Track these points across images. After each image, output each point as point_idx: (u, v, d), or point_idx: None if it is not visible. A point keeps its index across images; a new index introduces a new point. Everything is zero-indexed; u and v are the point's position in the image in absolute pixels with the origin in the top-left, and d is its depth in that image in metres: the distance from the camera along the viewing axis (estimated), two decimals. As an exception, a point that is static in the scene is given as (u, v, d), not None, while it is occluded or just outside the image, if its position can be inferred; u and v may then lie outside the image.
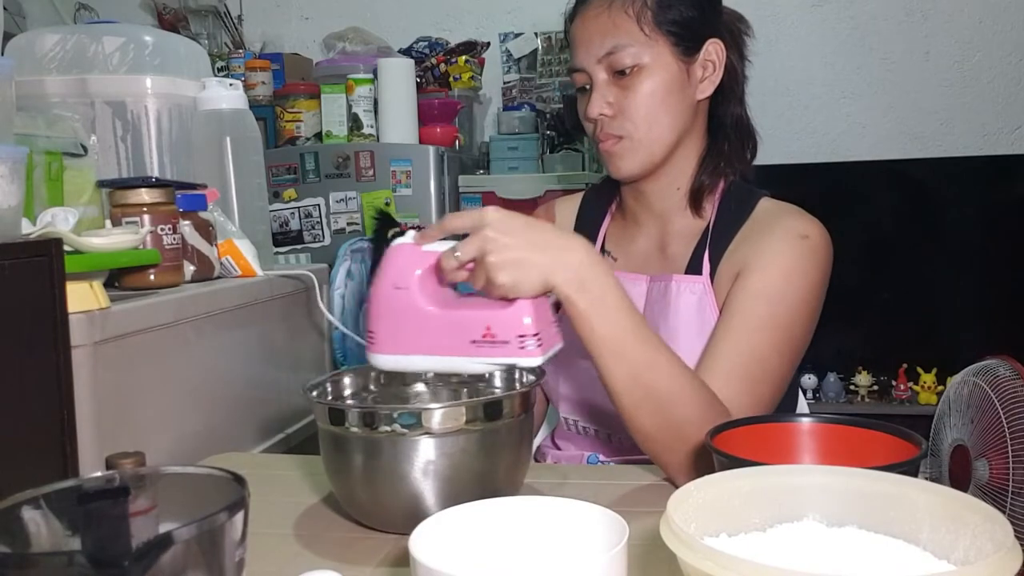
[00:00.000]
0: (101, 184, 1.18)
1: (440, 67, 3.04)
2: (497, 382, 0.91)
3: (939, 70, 3.01)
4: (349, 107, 2.78)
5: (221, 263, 1.25)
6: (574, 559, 0.58)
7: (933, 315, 2.82)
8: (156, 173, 1.29)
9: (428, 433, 0.75)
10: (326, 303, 1.42)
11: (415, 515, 0.63)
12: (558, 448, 1.18)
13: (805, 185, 2.82)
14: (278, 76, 3.00)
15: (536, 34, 3.23)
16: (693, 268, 1.07)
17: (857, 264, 2.88)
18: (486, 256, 0.77)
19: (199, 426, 1.11)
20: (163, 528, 0.49)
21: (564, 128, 2.93)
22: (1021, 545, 0.46)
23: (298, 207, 2.76)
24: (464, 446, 0.76)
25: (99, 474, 0.56)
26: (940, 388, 2.70)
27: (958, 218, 2.82)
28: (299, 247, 2.75)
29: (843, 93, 3.08)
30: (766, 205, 1.08)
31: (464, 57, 3.04)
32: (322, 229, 2.76)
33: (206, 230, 1.21)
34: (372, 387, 0.91)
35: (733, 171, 1.10)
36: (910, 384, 2.79)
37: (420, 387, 0.92)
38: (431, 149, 2.70)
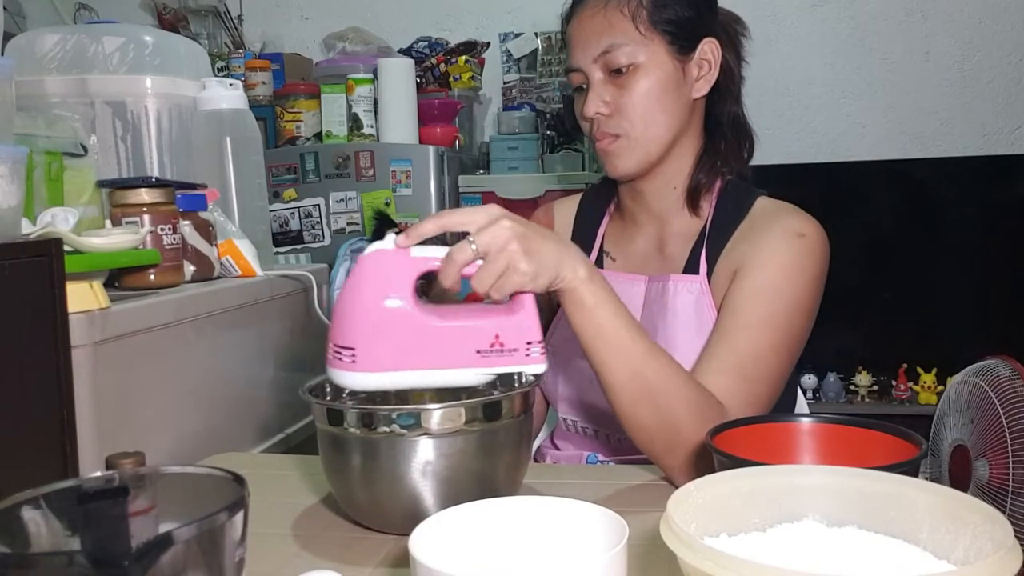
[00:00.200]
0: (101, 184, 1.18)
1: (440, 67, 3.04)
2: (497, 382, 0.90)
3: (939, 70, 3.01)
4: (349, 107, 2.78)
5: (221, 263, 1.25)
6: (574, 559, 0.58)
7: (933, 315, 2.81)
8: (156, 173, 1.29)
9: (427, 434, 0.74)
10: (326, 303, 1.42)
11: (414, 516, 0.63)
12: (557, 448, 1.18)
13: (805, 185, 2.82)
14: (278, 76, 3.00)
15: (536, 34, 3.23)
16: (691, 268, 1.07)
17: (857, 264, 2.88)
18: (509, 243, 0.76)
19: (199, 426, 1.10)
20: (163, 528, 0.49)
21: (564, 128, 2.93)
22: (1021, 545, 0.46)
23: (298, 207, 2.76)
24: (463, 447, 0.76)
25: (99, 474, 0.56)
26: (940, 388, 2.70)
27: (958, 218, 2.82)
28: (299, 247, 2.75)
29: (843, 93, 3.08)
30: (763, 204, 1.08)
31: (464, 57, 3.04)
32: (322, 229, 2.76)
33: (206, 230, 1.21)
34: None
35: (730, 170, 1.10)
36: (910, 384, 2.79)
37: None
38: (431, 149, 2.70)
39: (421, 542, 0.55)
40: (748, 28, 1.13)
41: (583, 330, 0.84)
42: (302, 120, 2.85)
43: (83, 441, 0.82)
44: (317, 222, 2.76)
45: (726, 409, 0.91)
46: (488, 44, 3.18)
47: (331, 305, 2.07)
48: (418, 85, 2.88)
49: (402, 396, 0.90)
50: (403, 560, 0.74)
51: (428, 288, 0.89)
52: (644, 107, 1.03)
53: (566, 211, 1.23)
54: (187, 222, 1.18)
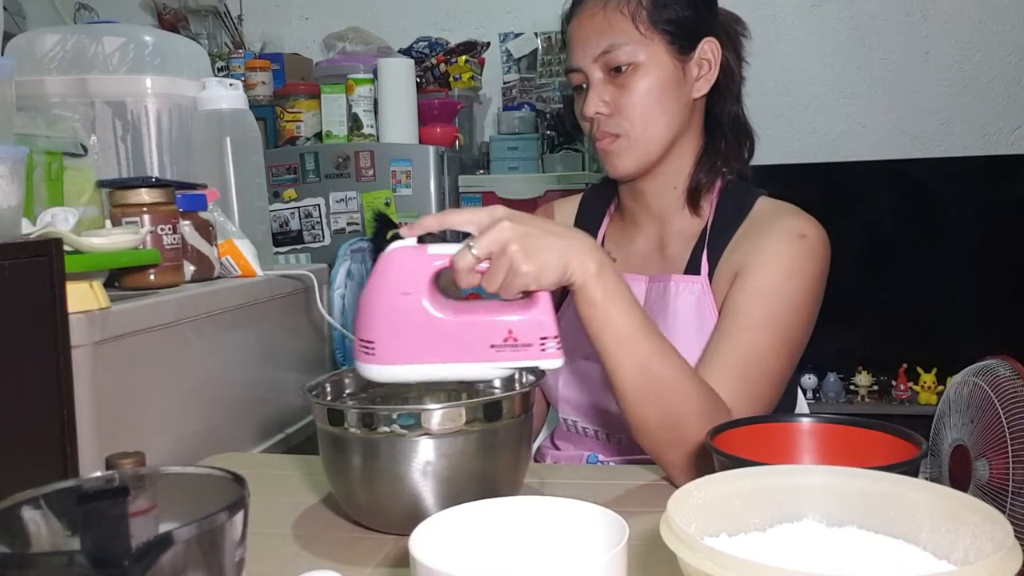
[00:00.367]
0: (101, 184, 1.18)
1: (440, 67, 3.04)
2: (496, 383, 0.90)
3: (939, 70, 3.01)
4: (349, 107, 2.78)
5: (221, 263, 1.25)
6: (574, 559, 0.58)
7: (933, 315, 2.81)
8: (156, 173, 1.29)
9: (427, 434, 0.74)
10: (326, 303, 1.42)
11: (414, 516, 0.63)
12: (557, 448, 1.18)
13: (805, 185, 2.82)
14: (278, 76, 3.00)
15: (536, 34, 3.23)
16: (692, 268, 1.07)
17: (857, 264, 2.87)
18: (509, 245, 0.76)
19: (199, 426, 1.10)
20: (163, 528, 0.49)
21: (564, 128, 2.93)
22: (1021, 545, 0.46)
23: (298, 207, 2.76)
24: (463, 447, 0.76)
25: (99, 474, 0.56)
26: (940, 388, 2.70)
27: (958, 218, 2.82)
28: (299, 247, 2.75)
29: (843, 93, 3.08)
30: (764, 204, 1.08)
31: (464, 57, 3.04)
32: (322, 229, 2.76)
33: (206, 230, 1.21)
34: (372, 388, 0.91)
35: (730, 170, 1.10)
36: (910, 384, 2.79)
37: (420, 388, 0.91)
38: (431, 149, 2.70)
39: (421, 542, 0.55)
40: (748, 28, 1.13)
41: (592, 325, 0.84)
42: (302, 120, 2.85)
43: (83, 441, 0.82)
44: (317, 222, 2.76)
45: (730, 410, 0.91)
46: (488, 44, 3.18)
47: (331, 305, 2.07)
48: (418, 85, 2.88)
49: (402, 397, 0.91)
50: (403, 560, 0.74)
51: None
52: (644, 107, 1.03)
53: (566, 211, 1.23)
54: (187, 222, 1.18)
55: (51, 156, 1.12)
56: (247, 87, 2.82)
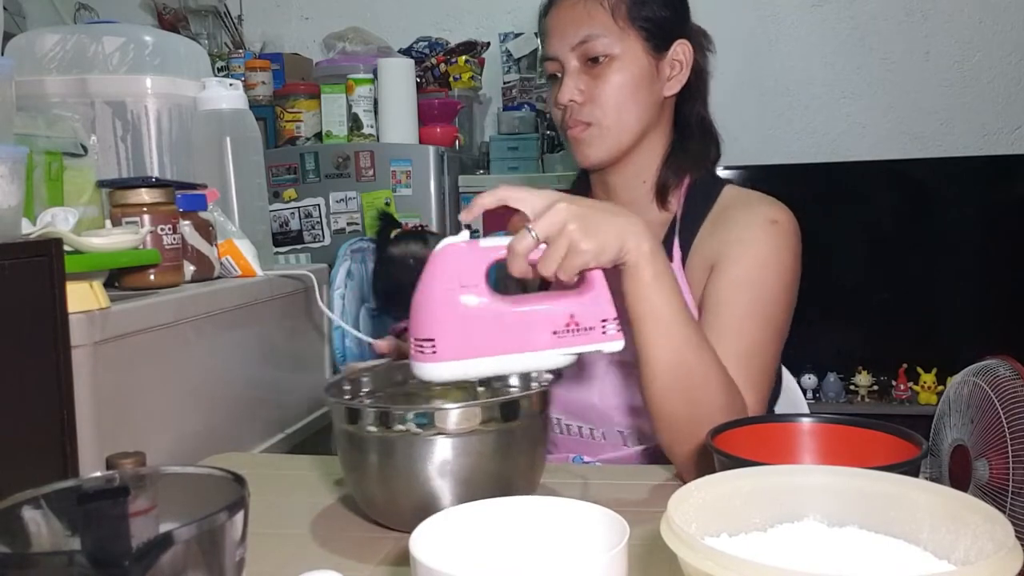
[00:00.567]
0: (101, 184, 1.18)
1: (440, 67, 3.04)
2: (513, 379, 0.91)
3: (939, 70, 3.01)
4: (349, 107, 2.78)
5: (221, 263, 1.25)
6: (574, 559, 0.58)
7: (933, 315, 2.81)
8: (156, 173, 1.29)
9: (443, 433, 0.75)
10: (326, 303, 1.42)
11: (429, 514, 0.63)
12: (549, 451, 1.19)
13: (805, 185, 2.84)
14: (278, 76, 3.00)
15: (536, 34, 3.22)
16: None
17: (857, 264, 2.88)
18: (567, 225, 0.77)
19: (199, 426, 1.10)
20: (163, 528, 0.49)
21: (564, 128, 2.93)
22: (1021, 545, 0.46)
23: (298, 207, 2.76)
24: (479, 446, 0.76)
25: (99, 474, 0.56)
26: (940, 388, 2.70)
27: (958, 218, 2.82)
28: (299, 247, 2.75)
29: (843, 93, 3.07)
30: (730, 192, 1.10)
31: (464, 57, 3.04)
32: (322, 229, 2.76)
33: (206, 230, 1.21)
34: (391, 385, 0.91)
35: (697, 170, 1.11)
36: (910, 384, 2.79)
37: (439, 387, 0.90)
38: (431, 149, 2.70)
39: (421, 542, 0.55)
40: (713, 43, 1.15)
41: (637, 306, 0.85)
42: (302, 120, 2.85)
43: (83, 441, 0.82)
44: (317, 222, 2.76)
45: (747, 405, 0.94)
46: (488, 44, 3.18)
47: (331, 305, 2.07)
48: (418, 85, 2.88)
49: (420, 396, 0.91)
50: (403, 559, 0.74)
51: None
52: (617, 98, 1.04)
53: None
54: (187, 222, 1.18)
55: (51, 156, 1.12)
56: (247, 87, 2.82)
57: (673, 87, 1.09)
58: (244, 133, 1.37)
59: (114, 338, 0.92)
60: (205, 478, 0.56)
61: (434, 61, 3.05)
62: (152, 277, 1.10)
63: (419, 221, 2.65)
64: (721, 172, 2.68)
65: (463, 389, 0.90)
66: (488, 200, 0.80)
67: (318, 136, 2.85)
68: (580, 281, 0.80)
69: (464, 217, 0.80)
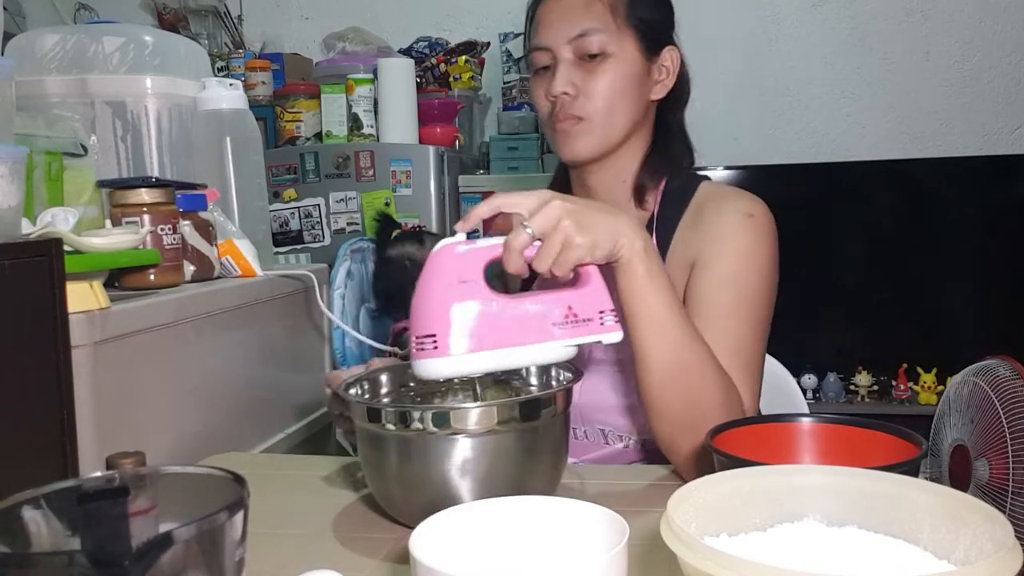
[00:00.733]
0: (101, 184, 1.18)
1: (440, 67, 3.04)
2: (533, 380, 0.91)
3: (939, 70, 3.01)
4: (349, 107, 2.78)
5: (221, 263, 1.25)
6: (574, 559, 0.58)
7: (933, 315, 2.81)
8: (156, 173, 1.29)
9: (460, 432, 0.75)
10: (326, 303, 1.42)
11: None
12: None
13: (805, 185, 2.84)
14: (278, 76, 3.00)
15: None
16: None
17: (857, 264, 2.87)
18: (562, 221, 0.79)
19: (199, 426, 1.10)
20: (163, 528, 0.49)
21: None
22: (1021, 545, 0.46)
23: (298, 207, 2.76)
24: (497, 446, 0.76)
25: (99, 474, 0.56)
26: (940, 388, 2.70)
27: (958, 218, 2.82)
28: (299, 247, 2.75)
29: (843, 93, 3.07)
30: (706, 188, 1.11)
31: (464, 57, 3.04)
32: (322, 229, 2.76)
33: (206, 230, 1.21)
34: (411, 384, 0.92)
35: (673, 174, 1.12)
36: (910, 384, 2.79)
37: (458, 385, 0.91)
38: (431, 149, 2.70)
39: (421, 542, 0.55)
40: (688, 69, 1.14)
41: (631, 303, 0.86)
42: (302, 120, 2.85)
43: (83, 441, 0.82)
44: (317, 222, 2.76)
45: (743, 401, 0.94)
46: (488, 44, 3.18)
47: (331, 305, 2.07)
48: (418, 85, 2.88)
49: (440, 395, 0.91)
50: (404, 559, 0.74)
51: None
52: (610, 95, 1.04)
53: None
54: (187, 222, 1.18)
55: (51, 156, 1.12)
56: (247, 87, 2.81)
57: (659, 92, 1.09)
58: (244, 133, 1.37)
59: (114, 338, 0.92)
60: (205, 478, 0.56)
61: (434, 61, 3.05)
62: (152, 277, 1.10)
63: (418, 221, 2.65)
64: (721, 172, 2.67)
65: (489, 388, 0.91)
66: (484, 210, 0.81)
67: (318, 136, 2.85)
68: (576, 278, 0.82)
69: (460, 227, 0.81)
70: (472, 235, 0.81)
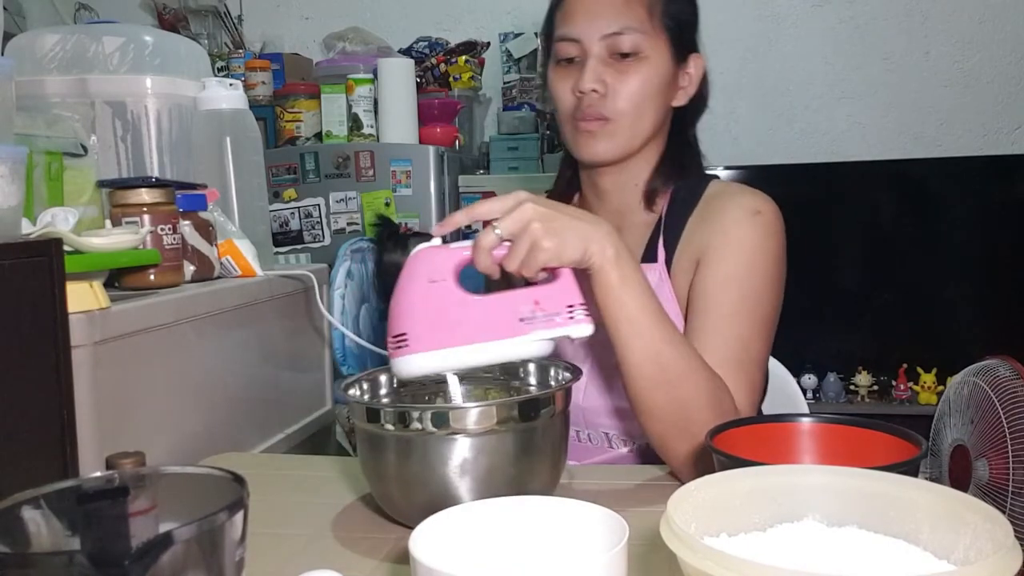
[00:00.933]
0: (101, 184, 1.18)
1: (440, 67, 3.04)
2: (532, 380, 0.91)
3: (939, 70, 3.01)
4: (349, 107, 2.78)
5: (221, 263, 1.25)
6: (574, 559, 0.58)
7: (933, 315, 2.82)
8: (156, 173, 1.29)
9: (459, 432, 0.75)
10: (326, 303, 1.42)
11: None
12: None
13: (805, 185, 2.84)
14: (278, 76, 3.00)
15: (536, 34, 3.23)
16: (648, 256, 1.08)
17: (857, 264, 2.88)
18: (531, 223, 0.79)
19: (199, 426, 1.10)
20: (163, 528, 0.49)
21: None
22: (1021, 545, 0.46)
23: (298, 207, 2.76)
24: (496, 446, 0.76)
25: (99, 474, 0.56)
26: (940, 388, 2.70)
27: (958, 218, 2.82)
28: (299, 247, 2.75)
29: (843, 93, 3.07)
30: (715, 187, 1.10)
31: (464, 57, 3.04)
32: (322, 229, 2.76)
33: (206, 230, 1.21)
34: (408, 386, 0.92)
35: (684, 179, 1.11)
36: (910, 384, 2.79)
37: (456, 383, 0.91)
38: (431, 149, 2.70)
39: (421, 542, 0.55)
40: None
41: (607, 310, 0.86)
42: (302, 120, 2.85)
43: (83, 441, 0.82)
44: (317, 222, 2.76)
45: (736, 400, 0.93)
46: (488, 44, 3.18)
47: (331, 305, 2.07)
48: (418, 85, 2.88)
49: (439, 395, 0.91)
50: (404, 559, 0.74)
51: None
52: (639, 98, 1.02)
53: None
54: (187, 222, 1.18)
55: (51, 156, 1.12)
56: (247, 87, 2.82)
57: (680, 99, 1.08)
58: (244, 133, 1.37)
59: (114, 338, 0.92)
60: (205, 478, 0.56)
61: (434, 61, 3.05)
62: (152, 277, 1.10)
63: (418, 222, 2.65)
64: (721, 172, 2.67)
65: (504, 389, 0.91)
66: (461, 218, 0.82)
67: (318, 136, 2.85)
68: (551, 278, 0.83)
69: (437, 231, 0.82)
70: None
